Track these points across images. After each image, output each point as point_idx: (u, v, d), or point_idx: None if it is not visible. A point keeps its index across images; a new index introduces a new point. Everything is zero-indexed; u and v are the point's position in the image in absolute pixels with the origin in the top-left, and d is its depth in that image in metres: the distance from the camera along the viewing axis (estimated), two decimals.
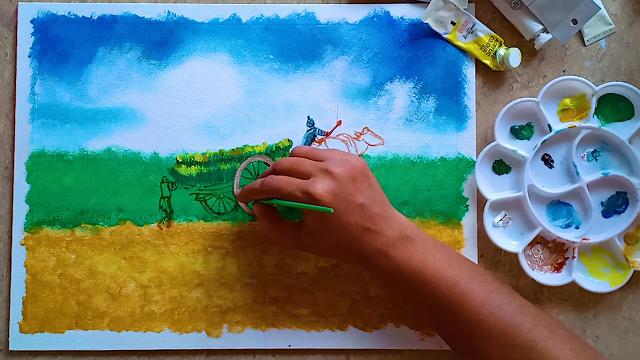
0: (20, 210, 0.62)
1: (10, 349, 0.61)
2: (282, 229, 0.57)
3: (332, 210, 0.51)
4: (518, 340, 0.51)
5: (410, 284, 0.54)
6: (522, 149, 0.61)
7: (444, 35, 0.62)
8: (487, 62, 0.62)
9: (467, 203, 0.62)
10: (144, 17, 0.63)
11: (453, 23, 0.62)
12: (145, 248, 0.62)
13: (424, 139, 0.62)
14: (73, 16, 0.63)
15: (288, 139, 0.62)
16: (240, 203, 0.62)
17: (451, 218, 0.62)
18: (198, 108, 0.62)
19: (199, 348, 0.61)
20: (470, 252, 0.62)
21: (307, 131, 0.62)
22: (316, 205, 0.52)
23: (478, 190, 0.61)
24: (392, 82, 0.63)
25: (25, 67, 0.62)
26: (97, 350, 0.61)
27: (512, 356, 0.51)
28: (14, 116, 0.62)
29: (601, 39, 0.63)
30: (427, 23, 0.62)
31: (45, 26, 0.62)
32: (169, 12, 0.63)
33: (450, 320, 0.53)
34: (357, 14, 0.63)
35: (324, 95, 0.63)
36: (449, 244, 0.62)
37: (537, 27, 0.61)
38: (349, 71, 0.63)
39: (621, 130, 0.61)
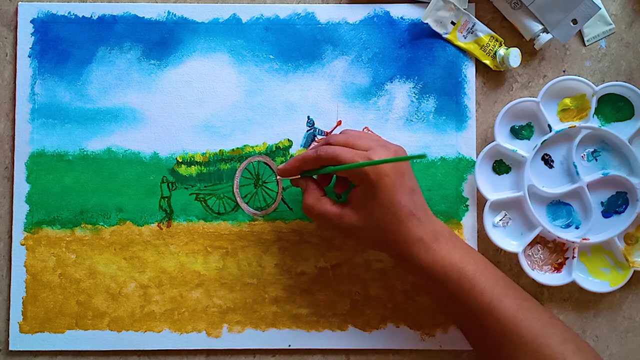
0: (20, 210, 0.62)
1: (10, 349, 0.61)
2: (327, 203, 0.55)
3: (425, 155, 0.51)
4: (548, 351, 0.51)
5: (448, 280, 0.53)
6: (522, 149, 0.61)
7: (444, 35, 0.62)
8: (487, 62, 0.62)
9: (467, 203, 0.62)
10: (144, 17, 0.63)
11: (453, 23, 0.62)
12: (145, 248, 0.62)
13: (424, 139, 0.62)
14: (73, 16, 0.63)
15: (288, 139, 0.62)
16: (241, 204, 0.62)
17: (451, 218, 0.62)
18: (198, 108, 0.62)
19: (199, 348, 0.61)
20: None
21: (307, 131, 0.62)
22: (402, 157, 0.51)
23: (478, 190, 0.61)
24: (392, 82, 0.63)
25: (25, 67, 0.62)
26: (97, 350, 0.61)
27: None
28: (14, 116, 0.62)
29: (601, 39, 0.63)
30: (427, 23, 0.62)
31: (45, 26, 0.62)
32: (169, 12, 0.63)
33: (483, 322, 0.53)
34: (357, 14, 0.63)
35: (324, 95, 0.63)
36: None
37: (537, 27, 0.61)
38: (349, 71, 0.63)
39: (621, 130, 0.61)
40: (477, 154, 0.62)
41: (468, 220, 0.62)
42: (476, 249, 0.61)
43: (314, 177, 0.57)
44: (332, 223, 0.55)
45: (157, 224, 0.62)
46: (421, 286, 0.61)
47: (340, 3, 0.63)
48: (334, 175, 0.58)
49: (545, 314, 0.53)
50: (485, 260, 0.55)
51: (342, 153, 0.53)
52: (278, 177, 0.59)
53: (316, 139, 0.62)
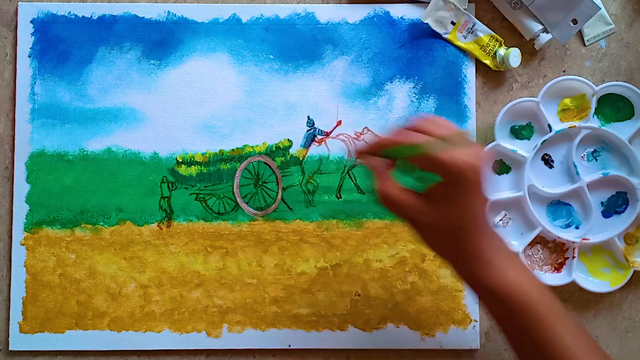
0: (20, 210, 0.62)
1: (10, 349, 0.61)
2: (405, 191, 0.50)
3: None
4: None
5: (505, 300, 0.49)
6: (522, 149, 0.61)
7: (444, 35, 0.62)
8: (487, 62, 0.62)
9: None
10: (144, 17, 0.63)
11: (453, 23, 0.62)
12: (145, 248, 0.62)
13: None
14: (73, 16, 0.63)
15: (288, 139, 0.62)
16: (241, 204, 0.62)
17: None
18: (198, 108, 0.62)
19: (199, 348, 0.61)
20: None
21: (307, 131, 0.62)
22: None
23: None
24: (392, 82, 0.63)
25: (25, 67, 0.62)
26: (97, 350, 0.61)
27: None
28: (14, 116, 0.62)
29: (601, 39, 0.63)
30: (427, 23, 0.62)
31: (45, 26, 0.62)
32: (169, 12, 0.63)
33: (537, 348, 0.49)
34: (357, 14, 0.63)
35: (324, 95, 0.63)
36: None
37: (537, 27, 0.61)
38: (349, 71, 0.63)
39: (621, 130, 0.61)
40: None
41: None
42: None
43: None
44: (406, 214, 0.50)
45: (157, 224, 0.62)
46: (479, 300, 0.57)
47: (340, 3, 0.63)
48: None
49: (592, 344, 0.50)
50: (543, 286, 0.51)
51: (433, 130, 0.48)
52: (357, 158, 0.53)
53: (316, 139, 0.62)
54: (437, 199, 0.49)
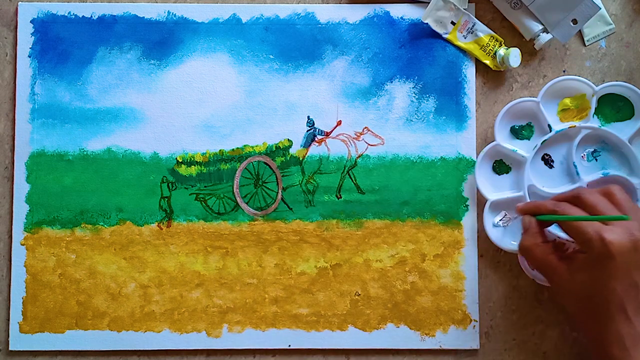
0: (20, 210, 0.62)
1: (10, 349, 0.61)
2: (547, 250, 0.52)
3: (629, 218, 0.47)
4: None
5: None
6: (522, 149, 0.61)
7: (444, 35, 0.62)
8: (487, 62, 0.62)
9: (467, 203, 0.62)
10: (144, 17, 0.63)
11: (453, 23, 0.62)
12: (145, 248, 0.62)
13: (424, 139, 0.62)
14: (73, 16, 0.63)
15: (288, 139, 0.62)
16: (241, 204, 0.62)
17: (451, 218, 0.62)
18: (198, 108, 0.62)
19: (199, 348, 0.61)
20: (470, 252, 0.62)
21: (307, 131, 0.62)
22: (613, 216, 0.48)
23: (478, 190, 0.61)
24: (392, 82, 0.63)
25: (25, 67, 0.62)
26: (97, 350, 0.61)
27: None
28: (14, 116, 0.62)
29: (601, 39, 0.63)
30: (427, 23, 0.62)
31: (45, 26, 0.62)
32: (169, 12, 0.63)
33: None
34: (357, 14, 0.63)
35: (324, 95, 0.63)
36: (449, 244, 0.62)
37: (537, 27, 0.61)
38: (349, 71, 0.63)
39: (621, 130, 0.61)
40: (477, 154, 0.62)
41: (468, 220, 0.62)
42: (476, 249, 0.61)
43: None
44: (545, 271, 0.53)
45: (157, 224, 0.62)
46: None
47: (340, 3, 0.63)
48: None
49: None
50: None
51: (579, 219, 0.50)
52: (518, 213, 0.56)
53: (316, 139, 0.62)
54: (576, 267, 0.50)
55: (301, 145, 0.63)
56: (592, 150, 0.62)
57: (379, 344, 0.61)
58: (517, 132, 0.62)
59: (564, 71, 0.63)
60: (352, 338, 0.61)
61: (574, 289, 0.50)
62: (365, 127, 0.62)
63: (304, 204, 0.62)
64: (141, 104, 0.62)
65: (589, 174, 0.61)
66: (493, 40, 0.62)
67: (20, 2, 0.63)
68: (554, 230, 0.60)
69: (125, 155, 0.62)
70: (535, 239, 0.53)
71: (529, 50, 0.63)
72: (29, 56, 0.62)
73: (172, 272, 0.62)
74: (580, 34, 0.63)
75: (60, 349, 0.61)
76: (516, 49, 0.61)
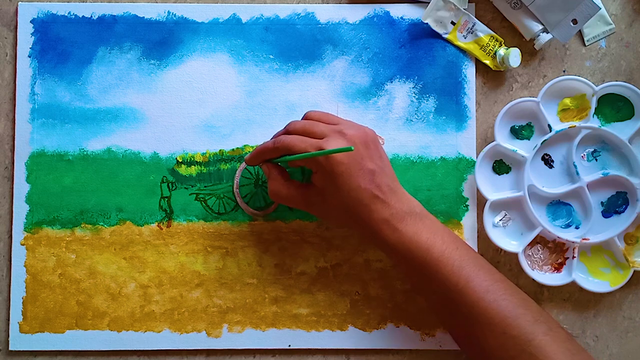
0: (20, 210, 0.62)
1: (10, 349, 0.61)
2: (292, 187, 0.57)
3: (352, 148, 0.51)
4: (517, 331, 0.51)
5: (415, 261, 0.54)
6: (522, 149, 0.61)
7: (444, 35, 0.62)
8: (487, 62, 0.62)
9: (467, 203, 0.62)
10: (144, 17, 0.63)
11: (453, 23, 0.62)
12: (145, 248, 0.62)
13: (424, 139, 0.62)
14: (73, 16, 0.63)
15: None
16: (241, 204, 0.62)
17: (451, 218, 0.62)
18: (198, 108, 0.62)
19: (199, 348, 0.61)
20: None
21: None
22: (334, 149, 0.52)
23: (478, 190, 0.61)
24: (392, 82, 0.63)
25: (25, 67, 0.62)
26: (97, 350, 0.61)
27: (509, 346, 0.51)
28: (14, 116, 0.62)
29: (601, 39, 0.63)
30: (427, 23, 0.62)
31: (45, 26, 0.63)
32: (169, 12, 0.63)
33: (452, 303, 0.53)
34: (357, 14, 0.63)
35: (324, 95, 0.63)
36: None
37: (537, 27, 0.61)
38: (349, 71, 0.63)
39: (621, 130, 0.61)
40: (477, 154, 0.62)
41: (468, 220, 0.62)
42: (476, 249, 0.61)
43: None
44: (300, 205, 0.57)
45: (157, 224, 0.62)
46: (394, 265, 0.61)
47: (340, 3, 0.63)
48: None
49: (517, 295, 0.53)
50: (457, 240, 0.55)
51: (296, 144, 0.54)
52: (244, 164, 0.61)
53: None
54: (319, 186, 0.55)
55: None
56: (592, 150, 0.62)
57: (379, 344, 0.61)
58: (517, 132, 0.62)
59: (564, 71, 0.63)
60: (352, 338, 0.61)
61: (331, 204, 0.55)
62: None
63: None
64: (141, 104, 0.62)
65: (589, 174, 0.61)
66: (493, 40, 0.62)
67: (20, 2, 0.63)
68: (553, 230, 0.60)
69: (125, 155, 0.62)
70: (278, 181, 0.57)
71: (529, 50, 0.63)
72: (29, 56, 0.62)
73: (172, 272, 0.62)
74: (580, 34, 0.63)
75: (60, 349, 0.61)
76: (516, 49, 0.61)
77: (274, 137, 0.58)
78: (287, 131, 0.57)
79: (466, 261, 0.54)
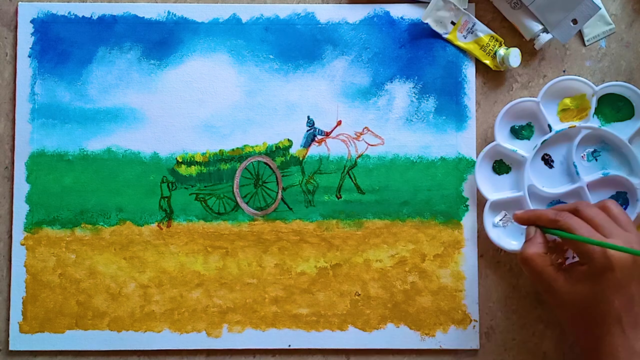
0: (20, 210, 0.62)
1: (10, 349, 0.61)
2: (547, 261, 0.52)
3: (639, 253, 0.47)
4: None
5: None
6: (522, 149, 0.61)
7: (444, 35, 0.62)
8: (487, 62, 0.62)
9: (467, 203, 0.62)
10: (144, 17, 0.63)
11: (453, 23, 0.62)
12: (145, 248, 0.62)
13: (424, 139, 0.62)
14: (73, 16, 0.63)
15: (288, 139, 0.62)
16: (241, 204, 0.62)
17: (451, 218, 0.62)
18: (198, 108, 0.62)
19: (199, 348, 0.61)
20: (470, 252, 0.62)
21: (307, 131, 0.63)
22: (630, 249, 0.48)
23: (478, 190, 0.61)
24: (392, 82, 0.63)
25: (25, 67, 0.62)
26: (97, 350, 0.61)
27: None
28: (14, 116, 0.62)
29: (601, 39, 0.63)
30: (427, 23, 0.62)
31: (45, 26, 0.62)
32: (169, 12, 0.63)
33: None
34: (357, 14, 0.63)
35: (324, 95, 0.63)
36: (449, 244, 0.62)
37: (537, 27, 0.61)
38: (349, 71, 0.63)
39: (621, 130, 0.61)
40: (477, 154, 0.62)
41: (468, 220, 0.62)
42: (476, 249, 0.61)
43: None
44: (543, 282, 0.53)
45: (157, 224, 0.62)
46: None
47: (340, 3, 0.63)
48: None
49: None
50: None
51: (580, 228, 0.50)
52: (516, 222, 0.56)
53: (316, 139, 0.62)
54: (575, 278, 0.51)
55: (301, 145, 0.63)
56: (592, 150, 0.62)
57: (379, 344, 0.61)
58: (517, 132, 0.62)
59: (564, 71, 0.63)
60: (352, 338, 0.61)
61: (572, 300, 0.51)
62: (365, 127, 0.62)
63: (304, 204, 0.62)
64: (141, 104, 0.62)
65: (589, 174, 0.61)
66: (493, 40, 0.62)
67: (20, 2, 0.63)
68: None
69: (125, 155, 0.62)
70: (538, 249, 0.53)
71: (529, 50, 0.63)
72: (29, 56, 0.62)
73: (172, 272, 0.62)
74: (580, 34, 0.63)
75: (60, 349, 0.61)
76: (516, 49, 0.61)
77: (557, 207, 0.55)
78: (575, 209, 0.53)
79: None
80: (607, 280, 0.49)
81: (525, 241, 0.54)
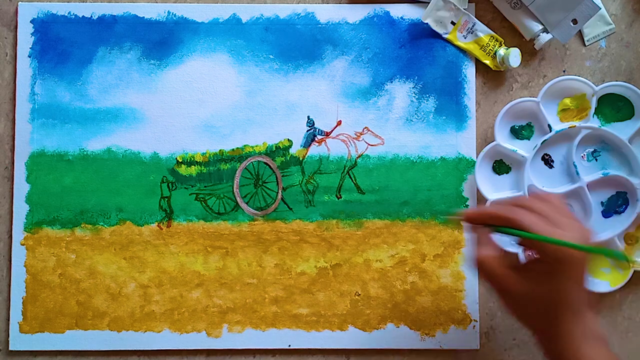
0: (20, 210, 0.62)
1: (10, 349, 0.61)
2: (501, 264, 0.51)
3: (627, 259, 0.47)
4: None
5: None
6: (522, 149, 0.61)
7: (444, 35, 0.62)
8: (487, 62, 0.62)
9: (467, 203, 0.62)
10: (144, 17, 0.63)
11: (453, 23, 0.62)
12: (145, 248, 0.62)
13: (424, 139, 0.62)
14: (73, 16, 0.63)
15: (288, 139, 0.62)
16: (241, 204, 0.62)
17: None
18: (198, 108, 0.62)
19: (199, 348, 0.61)
20: (470, 252, 0.61)
21: (307, 131, 0.63)
22: (606, 249, 0.47)
23: (478, 190, 0.61)
24: (392, 82, 0.63)
25: (25, 67, 0.62)
26: (97, 350, 0.61)
27: None
28: (14, 116, 0.62)
29: (601, 39, 0.63)
30: (427, 23, 0.62)
31: (45, 26, 0.62)
32: (169, 12, 0.63)
33: None
34: (357, 14, 0.63)
35: (324, 95, 0.63)
36: (449, 244, 0.62)
37: (537, 27, 0.61)
38: (349, 71, 0.63)
39: (621, 130, 0.61)
40: (477, 154, 0.62)
41: None
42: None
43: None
44: (498, 284, 0.52)
45: (157, 224, 0.62)
46: None
47: (340, 3, 0.63)
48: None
49: None
50: None
51: (536, 225, 0.49)
52: (462, 221, 0.54)
53: (316, 139, 0.62)
54: (533, 275, 0.50)
55: (301, 145, 0.63)
56: (592, 150, 0.62)
57: (379, 344, 0.61)
58: (517, 132, 0.62)
59: (564, 71, 0.63)
60: (352, 338, 0.61)
61: (530, 298, 0.51)
62: (365, 127, 0.62)
63: (304, 204, 0.62)
64: (141, 104, 0.62)
65: (589, 174, 0.61)
66: (493, 40, 0.62)
67: (20, 2, 0.63)
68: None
69: (125, 155, 0.62)
70: (492, 251, 0.51)
71: (529, 50, 0.63)
72: (29, 56, 0.62)
73: (172, 272, 0.62)
74: (580, 34, 0.63)
75: (60, 349, 0.61)
76: (516, 49, 0.61)
77: (494, 203, 0.54)
78: (522, 205, 0.51)
79: None
80: (565, 272, 0.49)
81: (477, 243, 0.52)
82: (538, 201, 0.51)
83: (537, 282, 0.50)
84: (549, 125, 0.60)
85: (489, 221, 0.52)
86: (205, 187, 0.62)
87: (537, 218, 0.49)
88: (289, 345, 0.61)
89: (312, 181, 0.62)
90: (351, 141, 0.63)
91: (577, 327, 0.50)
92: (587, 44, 0.63)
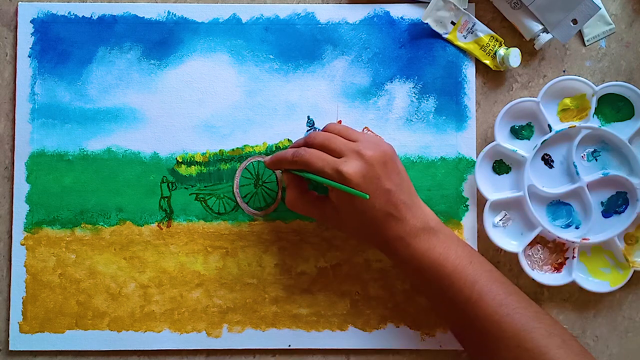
0: (20, 210, 0.62)
1: (10, 349, 0.61)
2: (309, 200, 0.58)
3: (367, 197, 0.51)
4: (530, 344, 0.51)
5: (428, 276, 0.54)
6: (522, 149, 0.61)
7: (444, 35, 0.62)
8: (487, 62, 0.62)
9: (467, 203, 0.62)
10: (144, 17, 0.63)
11: (453, 23, 0.62)
12: (145, 248, 0.62)
13: (424, 139, 0.62)
14: (73, 16, 0.63)
15: (288, 139, 0.62)
16: (241, 204, 0.62)
17: (451, 218, 0.62)
18: (198, 108, 0.62)
19: (199, 348, 0.61)
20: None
21: (307, 131, 0.63)
22: (350, 188, 0.52)
23: (478, 190, 0.61)
24: (392, 82, 0.63)
25: (25, 67, 0.62)
26: (97, 350, 0.61)
27: (523, 359, 0.51)
28: (14, 116, 0.62)
29: (601, 39, 0.63)
30: (427, 23, 0.62)
31: (45, 26, 0.63)
32: (169, 12, 0.63)
33: (465, 317, 0.53)
34: (357, 14, 0.63)
35: (324, 95, 0.63)
36: None
37: (537, 27, 0.61)
38: (349, 71, 0.63)
39: (621, 130, 0.61)
40: (477, 154, 0.62)
41: (468, 220, 0.62)
42: (476, 249, 0.61)
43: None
44: (316, 217, 0.58)
45: (157, 224, 0.62)
46: (409, 281, 0.61)
47: (340, 3, 0.63)
48: None
49: (530, 308, 0.54)
50: (471, 254, 0.55)
51: (314, 161, 0.54)
52: (266, 167, 0.60)
53: None
54: (336, 203, 0.55)
55: None
56: (592, 150, 0.62)
57: (379, 344, 0.61)
58: (517, 132, 0.62)
59: (564, 71, 0.63)
60: (352, 338, 0.61)
61: (346, 220, 0.56)
62: (365, 127, 0.62)
63: None
64: (141, 104, 0.62)
65: (589, 174, 0.61)
66: (493, 40, 0.62)
67: (20, 2, 0.63)
68: (553, 230, 0.60)
69: (125, 155, 0.62)
70: (295, 192, 0.57)
71: (529, 50, 0.63)
72: (29, 56, 0.62)
73: (172, 272, 0.62)
74: (580, 34, 0.63)
75: (60, 349, 0.61)
76: (516, 49, 0.61)
77: (294, 145, 0.58)
78: (306, 143, 0.57)
79: (480, 275, 0.54)
80: (343, 198, 0.54)
81: (286, 186, 0.58)
82: (318, 135, 0.56)
83: (343, 208, 0.55)
84: (549, 125, 0.60)
85: (281, 166, 0.57)
86: (205, 187, 0.62)
87: (315, 155, 0.54)
88: (289, 345, 0.61)
89: (312, 181, 0.62)
90: None
91: (402, 229, 0.54)
92: (587, 44, 0.63)
